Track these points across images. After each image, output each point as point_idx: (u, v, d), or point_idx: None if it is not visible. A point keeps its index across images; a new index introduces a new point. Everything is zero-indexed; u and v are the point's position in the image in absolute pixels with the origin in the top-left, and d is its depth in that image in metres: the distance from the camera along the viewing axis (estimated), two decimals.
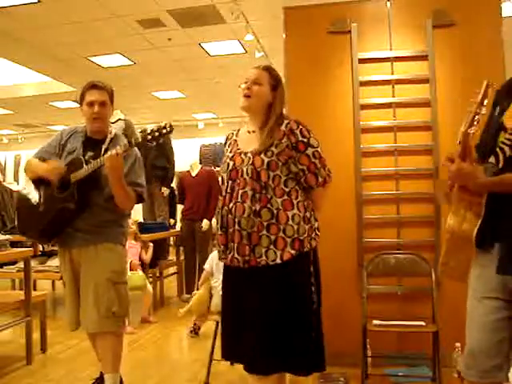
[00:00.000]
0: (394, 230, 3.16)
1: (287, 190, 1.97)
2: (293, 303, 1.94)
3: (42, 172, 2.46)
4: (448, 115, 3.09)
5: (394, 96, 3.20)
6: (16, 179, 12.64)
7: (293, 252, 1.93)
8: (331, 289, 2.86)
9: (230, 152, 2.08)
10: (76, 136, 2.57)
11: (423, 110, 3.16)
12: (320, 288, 2.04)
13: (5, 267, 4.78)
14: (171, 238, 6.40)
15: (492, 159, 1.55)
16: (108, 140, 2.49)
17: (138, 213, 5.36)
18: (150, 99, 9.40)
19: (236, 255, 1.95)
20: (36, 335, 3.51)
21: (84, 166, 2.37)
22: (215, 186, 5.16)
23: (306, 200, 2.02)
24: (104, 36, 6.20)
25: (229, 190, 2.00)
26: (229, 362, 3.01)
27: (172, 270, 5.89)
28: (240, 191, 1.96)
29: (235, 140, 2.13)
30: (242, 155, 2.02)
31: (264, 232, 1.92)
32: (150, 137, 2.27)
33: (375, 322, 2.76)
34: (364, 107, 3.21)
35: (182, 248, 5.76)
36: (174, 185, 6.39)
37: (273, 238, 1.92)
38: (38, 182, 2.51)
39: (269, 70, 2.11)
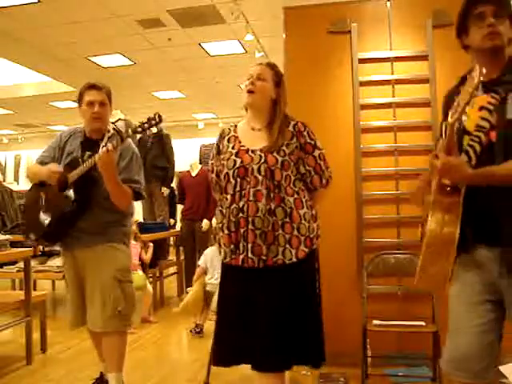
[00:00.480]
0: (394, 230, 3.16)
1: (296, 189, 2.00)
2: (305, 298, 1.97)
3: (42, 177, 2.48)
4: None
5: (394, 96, 3.20)
6: (16, 179, 12.66)
7: (306, 250, 1.96)
8: (331, 289, 2.88)
9: (233, 148, 2.05)
10: (75, 137, 2.57)
11: (423, 110, 3.16)
12: (320, 284, 2.07)
13: (5, 267, 4.78)
14: (171, 238, 6.40)
15: (463, 157, 1.55)
16: (106, 138, 2.47)
17: (137, 213, 5.35)
18: (150, 99, 9.40)
19: (250, 255, 1.93)
20: (36, 335, 3.51)
21: (81, 164, 2.37)
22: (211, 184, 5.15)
23: (310, 199, 2.05)
24: (104, 36, 6.21)
25: (238, 188, 1.98)
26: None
27: (172, 270, 5.89)
28: (252, 190, 1.94)
29: (235, 136, 2.10)
30: (250, 153, 2.00)
31: (280, 231, 1.93)
32: (139, 129, 2.24)
33: (375, 321, 2.76)
34: (364, 107, 3.21)
35: (181, 248, 5.76)
36: (174, 185, 6.39)
37: (288, 236, 1.94)
38: (40, 185, 2.53)
39: (272, 66, 2.12)
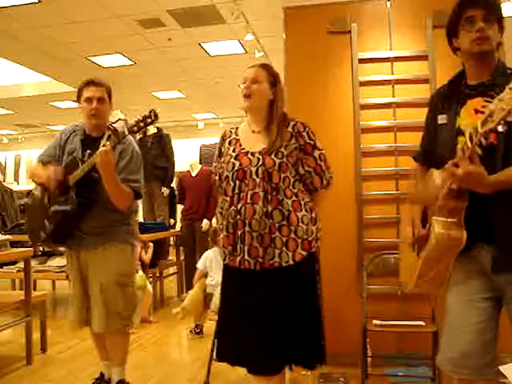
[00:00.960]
0: (394, 230, 3.16)
1: (295, 191, 1.98)
2: (303, 301, 1.96)
3: (42, 181, 2.49)
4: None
5: (393, 96, 3.20)
6: (16, 179, 12.66)
7: (303, 253, 1.95)
8: (331, 289, 2.88)
9: (233, 151, 2.05)
10: (75, 135, 2.56)
11: (423, 110, 3.11)
12: (321, 285, 2.06)
13: (5, 267, 4.78)
14: (171, 238, 6.39)
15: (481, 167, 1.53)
16: (106, 137, 2.43)
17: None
18: (150, 99, 9.39)
19: (247, 257, 1.93)
20: (36, 335, 3.51)
21: (79, 166, 2.36)
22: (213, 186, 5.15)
23: (311, 201, 2.04)
24: (104, 36, 6.20)
25: (236, 191, 1.98)
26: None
27: (172, 270, 5.89)
28: (249, 192, 1.94)
29: (236, 139, 2.10)
30: (249, 155, 1.99)
31: (277, 234, 1.92)
32: (135, 128, 2.21)
33: (375, 322, 2.76)
34: (364, 107, 3.21)
35: (182, 248, 5.76)
36: (174, 185, 6.39)
37: (285, 239, 1.93)
38: (45, 186, 2.53)
39: (266, 67, 2.10)
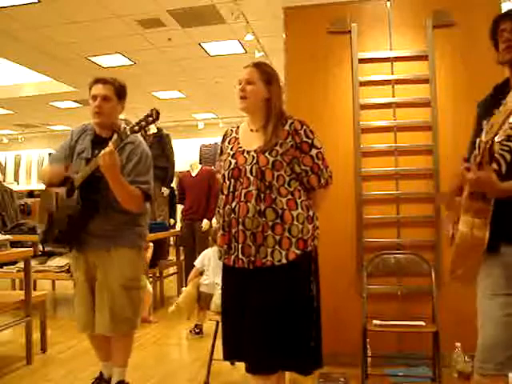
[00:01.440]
0: (394, 230, 3.16)
1: (291, 189, 1.97)
2: (296, 301, 1.94)
3: (47, 176, 2.49)
4: (448, 115, 3.10)
5: (393, 96, 3.20)
6: (16, 179, 12.66)
7: (298, 252, 1.93)
8: (331, 289, 2.88)
9: (231, 150, 2.06)
10: (85, 135, 2.53)
11: (423, 110, 3.16)
12: (319, 285, 2.05)
13: (5, 267, 4.78)
14: (171, 238, 6.39)
15: (494, 166, 1.62)
16: (115, 136, 2.35)
17: None
18: (150, 99, 9.39)
19: (240, 256, 1.94)
20: (36, 335, 3.51)
21: (84, 167, 2.34)
22: (215, 186, 5.16)
23: (308, 200, 2.02)
24: (104, 36, 6.20)
25: (231, 189, 1.98)
26: (229, 362, 3.01)
27: (172, 270, 5.89)
28: (243, 190, 1.94)
29: (236, 138, 2.10)
30: (245, 154, 2.00)
31: (269, 232, 1.91)
32: (137, 127, 2.19)
33: (375, 322, 2.76)
34: (364, 107, 3.21)
35: (182, 248, 5.76)
36: (174, 185, 6.39)
37: (278, 238, 1.92)
38: (52, 186, 2.52)
39: (259, 65, 2.07)
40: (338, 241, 3.15)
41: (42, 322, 3.61)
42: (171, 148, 6.09)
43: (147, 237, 2.69)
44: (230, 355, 2.07)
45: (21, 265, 4.29)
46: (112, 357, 2.59)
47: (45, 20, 5.65)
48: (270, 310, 1.91)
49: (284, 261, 1.92)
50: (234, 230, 1.95)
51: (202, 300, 3.28)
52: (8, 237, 3.41)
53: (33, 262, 3.95)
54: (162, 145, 5.96)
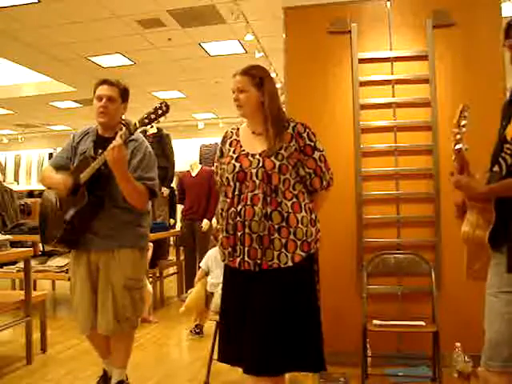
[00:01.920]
0: (394, 230, 3.16)
1: (295, 192, 1.98)
2: (301, 302, 1.95)
3: (53, 186, 2.49)
4: (448, 115, 3.09)
5: (393, 96, 3.20)
6: (16, 179, 12.66)
7: (303, 254, 1.95)
8: (331, 289, 2.88)
9: (234, 153, 2.06)
10: (88, 137, 2.55)
11: (423, 110, 3.16)
12: (319, 286, 2.06)
13: (5, 267, 4.78)
14: (171, 238, 6.39)
15: (496, 168, 1.67)
16: (118, 136, 2.35)
17: None
18: (150, 99, 9.37)
19: (246, 258, 1.94)
20: (36, 335, 3.51)
21: (90, 163, 2.35)
22: (215, 186, 5.15)
23: (311, 202, 2.04)
24: (104, 36, 6.20)
25: (236, 192, 1.98)
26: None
27: (172, 270, 5.89)
28: (249, 194, 1.94)
29: (237, 140, 2.10)
30: (250, 157, 2.00)
31: (276, 235, 1.92)
32: (146, 120, 2.20)
33: (375, 321, 2.76)
34: (364, 107, 3.21)
35: (182, 248, 5.76)
36: (174, 185, 6.39)
37: (284, 241, 1.93)
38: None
39: (247, 71, 2.06)
40: (338, 241, 3.15)
41: (42, 322, 3.61)
42: (171, 148, 6.09)
43: (149, 237, 2.69)
44: (229, 357, 2.05)
45: (21, 265, 4.29)
46: (112, 357, 2.58)
47: (45, 20, 5.64)
48: (275, 312, 1.91)
49: (290, 263, 1.93)
50: (239, 233, 1.95)
51: (208, 300, 3.29)
52: (8, 237, 3.41)
53: (33, 262, 3.95)
54: (162, 145, 5.97)
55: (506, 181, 1.62)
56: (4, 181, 11.39)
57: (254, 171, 1.96)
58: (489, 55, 3.08)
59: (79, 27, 5.87)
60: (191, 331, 3.99)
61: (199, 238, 5.42)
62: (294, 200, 1.97)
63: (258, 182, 1.94)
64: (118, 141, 2.21)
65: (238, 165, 2.00)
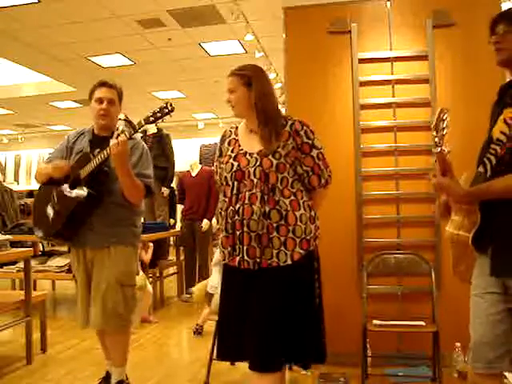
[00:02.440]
0: (394, 230, 3.16)
1: (293, 190, 1.98)
2: (301, 300, 1.96)
3: (49, 170, 2.49)
4: (448, 115, 3.09)
5: (393, 96, 3.20)
6: (16, 179, 12.66)
7: (302, 252, 1.95)
8: (331, 289, 2.87)
9: (232, 152, 2.06)
10: (83, 137, 2.60)
11: (423, 110, 3.16)
12: (321, 283, 2.06)
13: (5, 267, 4.78)
14: (171, 238, 6.40)
15: (481, 168, 1.65)
16: (115, 135, 2.40)
17: None
18: (150, 99, 9.39)
19: (246, 257, 1.94)
20: (36, 335, 3.51)
21: (92, 159, 2.38)
22: (215, 186, 5.15)
23: (309, 200, 2.04)
24: (104, 36, 6.20)
25: (235, 191, 1.99)
26: (229, 362, 3.01)
27: (172, 270, 5.89)
28: (247, 193, 1.95)
29: (236, 139, 2.11)
30: (247, 156, 2.00)
31: (274, 234, 1.92)
32: (152, 118, 2.23)
33: (375, 322, 2.76)
34: (364, 107, 3.21)
35: (182, 248, 5.76)
36: (174, 185, 6.39)
37: (283, 239, 1.93)
38: (51, 183, 2.53)
39: (236, 71, 2.07)
40: (339, 241, 3.15)
41: (42, 322, 3.61)
42: (171, 148, 6.09)
43: (143, 236, 2.71)
44: (228, 355, 2.07)
45: (21, 265, 4.29)
46: (110, 355, 2.60)
47: (45, 20, 5.65)
48: (275, 310, 1.91)
49: (289, 261, 1.93)
50: (238, 232, 1.95)
51: (208, 298, 3.29)
52: (8, 237, 3.41)
53: (33, 262, 3.95)
54: (162, 145, 5.97)
55: (483, 185, 1.60)
56: (4, 181, 11.40)
57: (251, 170, 1.96)
58: (489, 55, 3.05)
59: (79, 27, 5.87)
60: (194, 332, 3.97)
61: (199, 238, 5.43)
62: (292, 198, 1.97)
63: (255, 180, 1.94)
64: (122, 137, 2.25)
65: (236, 164, 2.01)
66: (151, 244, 4.82)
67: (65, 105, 9.87)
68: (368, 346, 2.83)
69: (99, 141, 2.49)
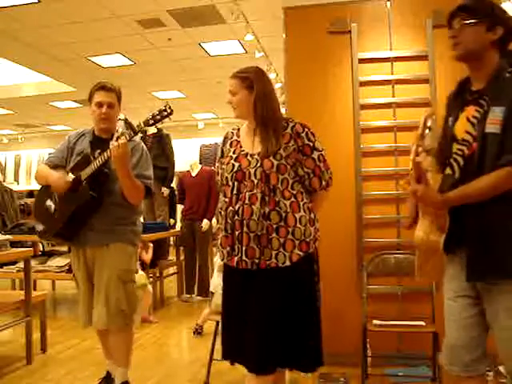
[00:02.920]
0: (394, 230, 3.16)
1: (294, 192, 1.99)
2: (299, 302, 1.96)
3: (50, 183, 2.52)
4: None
5: (393, 96, 3.20)
6: (16, 179, 12.66)
7: (301, 254, 1.95)
8: (331, 289, 2.87)
9: (234, 153, 2.07)
10: (84, 138, 2.61)
11: (423, 110, 3.12)
12: (319, 286, 2.06)
13: (5, 267, 4.78)
14: (171, 238, 6.39)
15: (448, 170, 1.63)
16: (115, 137, 2.42)
17: None
18: (150, 99, 9.40)
19: (244, 257, 1.95)
20: (36, 335, 3.51)
21: (92, 161, 2.39)
22: (215, 186, 5.15)
23: (309, 202, 2.04)
24: (104, 36, 6.20)
25: (235, 192, 1.99)
26: (229, 362, 3.01)
27: (172, 270, 5.89)
28: (247, 193, 1.95)
29: (237, 141, 2.11)
30: (248, 157, 2.01)
31: (274, 235, 1.93)
32: (151, 121, 2.26)
33: (375, 322, 2.76)
34: (364, 107, 3.21)
35: (182, 248, 5.76)
36: (174, 185, 6.39)
37: (282, 240, 1.93)
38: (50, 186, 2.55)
39: (238, 74, 2.08)
40: (338, 241, 3.15)
41: (42, 322, 3.61)
42: (171, 148, 6.09)
43: (143, 236, 2.71)
44: (230, 354, 2.08)
45: (21, 265, 4.29)
46: (113, 355, 2.60)
47: (45, 20, 5.65)
48: (273, 311, 1.92)
49: (288, 263, 1.94)
50: (237, 232, 1.96)
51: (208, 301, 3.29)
52: (8, 237, 3.41)
53: (33, 262, 3.95)
54: (162, 145, 5.97)
55: (461, 190, 1.56)
56: (4, 181, 11.39)
57: (252, 171, 1.96)
58: None
59: (79, 27, 5.87)
60: (194, 332, 3.97)
61: (199, 238, 5.43)
62: (293, 199, 1.97)
63: (256, 181, 1.95)
64: (122, 139, 2.27)
65: (236, 164, 2.01)
66: (151, 244, 4.82)
67: (65, 105, 9.87)
68: (368, 346, 2.83)
69: (100, 142, 2.51)
